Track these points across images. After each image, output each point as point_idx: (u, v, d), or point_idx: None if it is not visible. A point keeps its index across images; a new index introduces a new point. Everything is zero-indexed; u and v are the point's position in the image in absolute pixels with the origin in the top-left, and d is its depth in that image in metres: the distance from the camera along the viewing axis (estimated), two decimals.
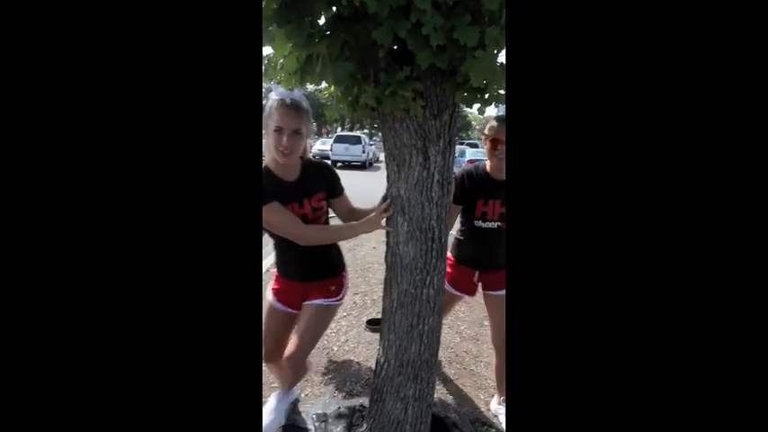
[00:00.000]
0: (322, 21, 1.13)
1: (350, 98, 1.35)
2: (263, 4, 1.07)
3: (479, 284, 1.94)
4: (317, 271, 1.70)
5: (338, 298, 1.73)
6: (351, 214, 1.69)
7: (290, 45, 1.16)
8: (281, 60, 1.30)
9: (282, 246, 1.63)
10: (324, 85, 1.39)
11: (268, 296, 1.72)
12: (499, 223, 1.76)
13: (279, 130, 1.43)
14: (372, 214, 1.47)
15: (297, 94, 1.45)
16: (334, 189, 1.67)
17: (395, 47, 1.20)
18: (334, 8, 1.09)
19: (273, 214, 1.44)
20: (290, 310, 1.73)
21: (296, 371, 1.69)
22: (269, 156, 1.52)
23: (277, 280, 1.74)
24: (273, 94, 1.46)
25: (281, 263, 1.72)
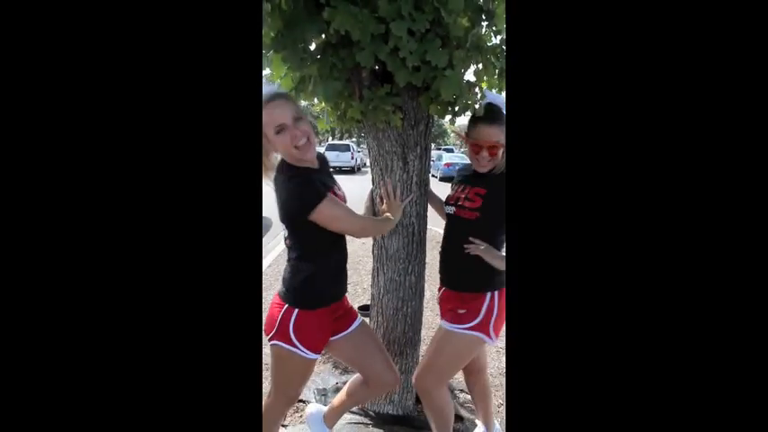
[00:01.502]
0: (312, 47, 1.17)
1: (338, 112, 1.39)
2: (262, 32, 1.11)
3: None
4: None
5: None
6: None
7: (286, 68, 1.20)
8: (279, 81, 1.34)
9: (333, 251, 1.21)
10: (315, 101, 1.43)
11: (296, 351, 1.18)
12: (454, 209, 1.30)
13: (283, 127, 1.07)
14: (394, 203, 1.36)
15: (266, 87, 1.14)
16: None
17: (376, 68, 1.24)
18: (323, 36, 1.13)
19: (335, 208, 1.09)
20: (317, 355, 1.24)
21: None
22: (288, 158, 1.14)
23: (308, 318, 1.18)
24: None
25: (329, 279, 1.21)
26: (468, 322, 1.24)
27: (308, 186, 1.09)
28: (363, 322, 1.34)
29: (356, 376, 1.39)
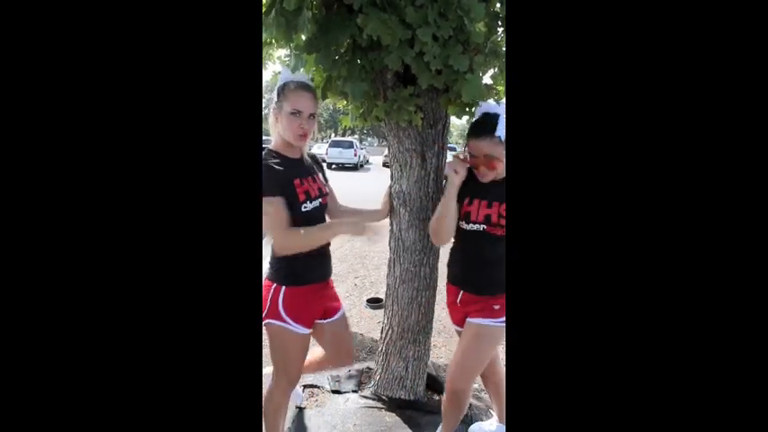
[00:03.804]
0: (342, 49, 1.26)
1: (361, 110, 1.48)
2: (295, 35, 1.19)
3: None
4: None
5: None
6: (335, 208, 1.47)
7: (315, 68, 1.28)
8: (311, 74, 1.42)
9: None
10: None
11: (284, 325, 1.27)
12: (485, 226, 1.28)
13: (296, 113, 1.20)
14: (357, 220, 1.37)
15: (304, 77, 1.28)
16: (324, 173, 1.44)
17: (401, 70, 1.33)
18: (354, 39, 1.21)
19: (267, 209, 1.15)
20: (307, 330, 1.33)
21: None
22: (276, 138, 1.29)
23: (295, 294, 1.28)
24: (281, 77, 1.26)
25: (311, 260, 1.28)
26: (502, 317, 1.29)
27: (267, 174, 1.18)
28: (343, 314, 1.49)
29: (318, 351, 1.54)
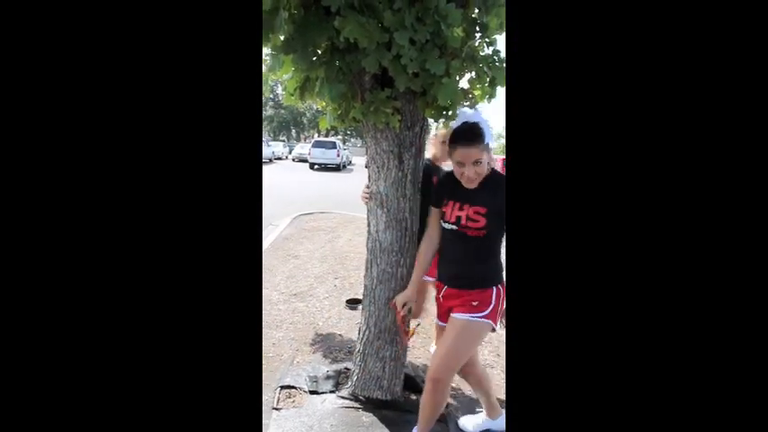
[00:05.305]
0: (320, 51, 1.26)
1: (339, 111, 1.48)
2: (272, 35, 1.19)
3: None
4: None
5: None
6: None
7: (293, 69, 1.28)
8: (283, 78, 1.42)
9: None
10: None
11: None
12: (456, 227, 1.37)
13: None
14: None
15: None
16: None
17: (378, 73, 1.33)
18: (332, 41, 1.21)
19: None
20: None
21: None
22: (436, 159, 1.90)
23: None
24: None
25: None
26: (482, 312, 1.37)
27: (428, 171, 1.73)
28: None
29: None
